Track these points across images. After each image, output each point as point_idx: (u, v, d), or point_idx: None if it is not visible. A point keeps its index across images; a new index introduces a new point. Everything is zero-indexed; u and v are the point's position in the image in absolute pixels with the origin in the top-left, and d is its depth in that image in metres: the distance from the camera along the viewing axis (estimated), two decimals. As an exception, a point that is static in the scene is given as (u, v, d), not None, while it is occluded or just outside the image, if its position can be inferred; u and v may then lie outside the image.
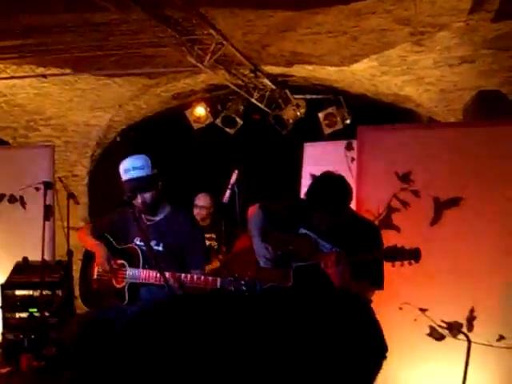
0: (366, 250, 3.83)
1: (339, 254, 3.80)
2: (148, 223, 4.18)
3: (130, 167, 4.10)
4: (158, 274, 3.92)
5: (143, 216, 4.20)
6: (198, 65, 5.94)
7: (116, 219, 4.36)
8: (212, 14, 5.44)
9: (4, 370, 5.90)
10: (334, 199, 3.80)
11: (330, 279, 3.82)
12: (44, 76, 6.78)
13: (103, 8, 4.83)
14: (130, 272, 4.14)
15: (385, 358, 3.75)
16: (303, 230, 3.97)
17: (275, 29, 5.76)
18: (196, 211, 6.24)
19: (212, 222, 6.27)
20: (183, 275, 3.88)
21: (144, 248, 4.09)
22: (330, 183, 3.86)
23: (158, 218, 4.23)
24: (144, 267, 4.08)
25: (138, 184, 4.08)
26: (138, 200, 4.09)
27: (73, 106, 8.21)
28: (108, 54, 6.38)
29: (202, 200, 6.28)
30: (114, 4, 4.67)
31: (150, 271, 4.03)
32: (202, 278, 3.89)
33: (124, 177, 4.12)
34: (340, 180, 3.91)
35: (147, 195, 4.11)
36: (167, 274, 3.84)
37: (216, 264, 5.73)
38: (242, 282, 3.74)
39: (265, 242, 4.09)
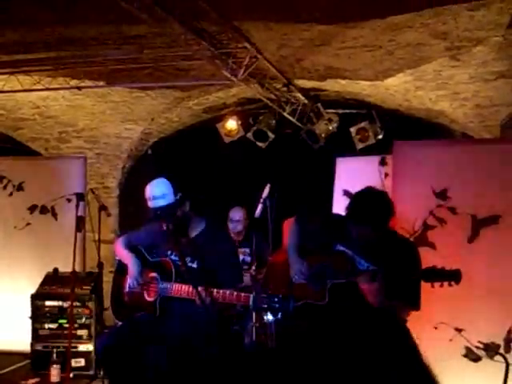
0: (404, 269, 3.75)
1: (375, 271, 3.73)
2: (183, 239, 4.14)
3: (151, 196, 4.08)
4: (190, 288, 3.89)
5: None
6: (232, 78, 5.92)
7: (150, 232, 4.34)
8: (246, 27, 5.42)
9: (33, 381, 5.91)
10: (376, 215, 3.73)
11: (366, 297, 3.75)
12: (78, 88, 6.82)
13: (138, 21, 4.83)
14: (161, 285, 4.11)
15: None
16: (340, 247, 3.90)
17: (310, 43, 5.72)
18: (232, 225, 6.20)
19: (246, 236, 6.22)
20: (215, 291, 3.83)
21: (177, 262, 4.06)
22: (372, 199, 3.79)
23: (193, 235, 4.20)
24: (176, 281, 4.05)
25: (160, 213, 4.04)
26: (164, 227, 4.03)
27: (105, 118, 8.25)
28: (142, 66, 6.39)
29: (237, 214, 6.24)
30: (150, 16, 4.67)
31: (183, 285, 4.00)
32: (235, 294, 3.83)
33: (148, 203, 4.11)
34: (382, 195, 3.84)
35: (170, 224, 4.03)
36: (200, 289, 3.79)
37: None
38: (276, 299, 3.68)
39: (301, 258, 4.03)
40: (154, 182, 4.13)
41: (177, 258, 4.08)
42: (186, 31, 5.04)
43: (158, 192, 4.07)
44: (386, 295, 3.70)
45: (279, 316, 3.94)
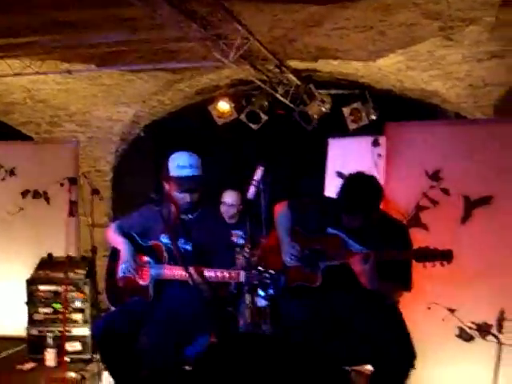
0: (395, 251, 3.78)
1: (367, 253, 3.75)
2: (177, 221, 4.14)
3: (187, 164, 3.99)
4: (182, 270, 3.89)
5: (173, 214, 4.15)
6: (223, 60, 5.89)
7: (142, 216, 4.33)
8: (237, 8, 5.38)
9: (29, 366, 5.93)
10: (366, 200, 3.74)
11: (358, 279, 3.77)
12: (69, 72, 6.77)
13: (128, 3, 4.79)
14: (154, 269, 4.11)
15: (413, 366, 3.70)
16: (332, 230, 3.91)
17: (301, 24, 5.69)
18: (224, 209, 6.13)
19: (239, 219, 6.20)
20: (206, 270, 3.85)
21: (169, 245, 4.06)
22: (362, 183, 3.79)
23: (187, 217, 4.19)
24: (169, 264, 4.05)
25: (194, 183, 4.02)
26: (186, 199, 4.04)
27: (97, 101, 8.20)
28: (133, 49, 6.34)
29: (230, 197, 6.17)
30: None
31: (175, 268, 4.00)
32: (226, 272, 3.85)
33: (177, 173, 4.01)
34: (372, 180, 3.84)
35: (195, 195, 4.07)
36: (191, 270, 3.81)
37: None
38: (267, 276, 3.69)
39: (292, 241, 4.04)
40: (186, 153, 4.06)
41: (169, 241, 4.07)
42: (176, 13, 5.00)
43: (195, 161, 4.02)
44: (378, 277, 3.72)
45: (270, 291, 3.95)
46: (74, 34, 5.97)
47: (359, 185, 3.80)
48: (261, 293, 4.65)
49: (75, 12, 5.50)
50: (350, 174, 3.88)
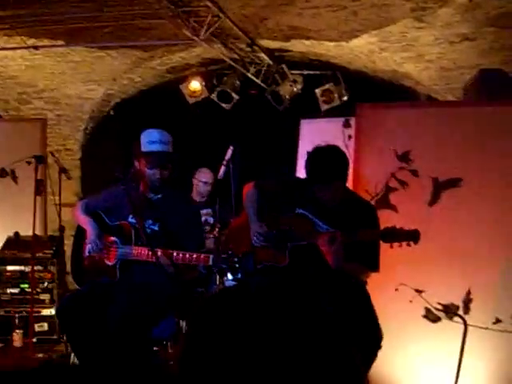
0: (362, 231, 3.77)
1: (334, 233, 3.74)
2: (144, 201, 4.09)
3: (157, 139, 4.00)
4: (150, 251, 3.85)
5: (140, 193, 4.10)
6: (194, 38, 5.82)
7: (110, 195, 4.27)
8: (209, -15, 5.31)
9: (-5, 347, 5.86)
10: (334, 166, 3.73)
11: (326, 260, 3.77)
12: (36, 48, 6.63)
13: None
14: (121, 249, 4.07)
15: (380, 347, 3.69)
16: (300, 210, 3.89)
17: (273, 2, 5.63)
18: (199, 186, 6.17)
19: (208, 198, 6.20)
20: (175, 253, 3.81)
21: (136, 225, 4.01)
22: (328, 151, 3.78)
23: (155, 197, 4.14)
24: (136, 244, 4.01)
25: (164, 159, 4.02)
26: (157, 176, 4.01)
27: (66, 78, 8.06)
28: (102, 25, 6.23)
29: (205, 176, 6.22)
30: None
31: (142, 248, 3.96)
32: (194, 255, 3.82)
33: (147, 148, 4.00)
34: (337, 148, 3.84)
35: (166, 172, 4.04)
36: (159, 252, 3.77)
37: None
38: (236, 259, 3.68)
39: (260, 221, 4.02)
40: (158, 130, 4.07)
41: (136, 221, 4.02)
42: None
43: (166, 138, 4.04)
44: (345, 257, 3.72)
45: (239, 276, 3.94)
46: (41, 8, 5.84)
47: (326, 152, 3.79)
48: (230, 276, 4.65)
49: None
50: (316, 147, 3.87)
